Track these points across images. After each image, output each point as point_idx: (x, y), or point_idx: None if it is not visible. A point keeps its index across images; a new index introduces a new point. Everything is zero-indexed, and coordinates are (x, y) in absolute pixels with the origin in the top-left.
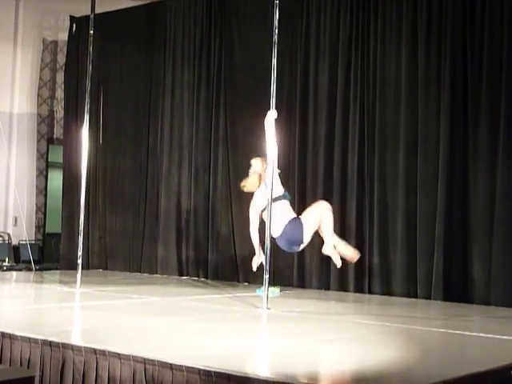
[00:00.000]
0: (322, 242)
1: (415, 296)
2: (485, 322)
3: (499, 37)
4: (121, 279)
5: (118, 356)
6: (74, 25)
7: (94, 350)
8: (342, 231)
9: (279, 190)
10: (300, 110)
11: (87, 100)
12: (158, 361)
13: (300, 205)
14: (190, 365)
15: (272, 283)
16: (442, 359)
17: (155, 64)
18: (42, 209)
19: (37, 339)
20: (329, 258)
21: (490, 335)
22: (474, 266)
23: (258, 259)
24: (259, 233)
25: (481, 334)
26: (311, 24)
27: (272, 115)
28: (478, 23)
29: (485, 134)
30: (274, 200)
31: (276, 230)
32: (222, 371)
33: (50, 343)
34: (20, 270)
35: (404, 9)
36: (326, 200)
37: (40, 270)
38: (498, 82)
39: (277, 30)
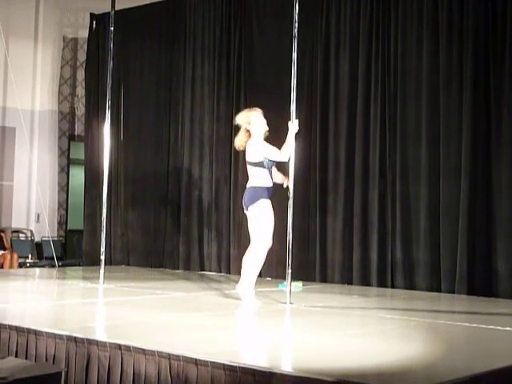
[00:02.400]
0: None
1: (439, 290)
2: (510, 316)
3: None
4: (143, 275)
5: (143, 352)
6: (94, 22)
7: (119, 346)
8: (364, 225)
9: (258, 156)
10: (321, 104)
11: (108, 96)
12: (182, 356)
13: (321, 197)
14: (214, 360)
15: (294, 278)
16: (468, 354)
17: (175, 60)
18: (63, 205)
19: (62, 335)
20: (351, 252)
21: None
22: (499, 259)
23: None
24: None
25: (507, 328)
26: (331, 17)
27: (293, 128)
28: (500, 14)
29: (508, 125)
30: (255, 164)
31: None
32: (247, 366)
33: (74, 339)
34: (43, 266)
35: (425, 0)
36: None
37: (63, 266)
38: None
39: (297, 24)
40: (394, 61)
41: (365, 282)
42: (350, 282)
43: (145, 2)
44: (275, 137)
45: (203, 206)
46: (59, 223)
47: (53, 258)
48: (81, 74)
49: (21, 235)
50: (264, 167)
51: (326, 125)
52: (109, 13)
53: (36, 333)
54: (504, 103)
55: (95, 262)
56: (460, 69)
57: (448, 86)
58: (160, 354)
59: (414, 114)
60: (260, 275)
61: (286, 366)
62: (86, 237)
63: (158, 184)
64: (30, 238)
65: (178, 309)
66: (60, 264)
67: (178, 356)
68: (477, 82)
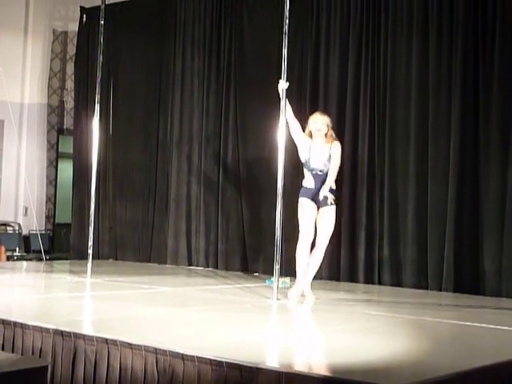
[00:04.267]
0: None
1: (426, 288)
2: (496, 314)
3: (511, 32)
4: (131, 269)
5: (130, 346)
6: (85, 15)
7: (106, 340)
8: (352, 222)
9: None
10: (310, 103)
11: (97, 90)
12: (169, 351)
13: None
14: (201, 355)
15: (282, 274)
16: (453, 351)
17: (165, 54)
18: (52, 199)
19: (48, 329)
20: (339, 249)
21: (501, 327)
22: (485, 257)
23: None
24: None
25: (492, 326)
26: (321, 16)
27: (282, 85)
28: (490, 18)
29: (496, 128)
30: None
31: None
32: (233, 362)
33: (61, 333)
34: (30, 259)
35: (415, 3)
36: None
37: (50, 259)
38: (510, 78)
39: (287, 20)
40: (384, 63)
41: (352, 278)
42: (336, 279)
43: None
44: (264, 131)
45: (191, 201)
46: (47, 217)
47: (40, 252)
48: (70, 68)
49: (8, 228)
50: (305, 167)
51: None
52: (99, 6)
53: (23, 326)
54: (492, 106)
55: (83, 256)
56: (449, 72)
57: (437, 89)
58: (147, 349)
59: (403, 116)
60: (247, 270)
61: (273, 362)
62: (74, 231)
63: (146, 178)
64: (17, 232)
65: (165, 303)
66: (47, 257)
67: (164, 351)
68: (466, 85)
